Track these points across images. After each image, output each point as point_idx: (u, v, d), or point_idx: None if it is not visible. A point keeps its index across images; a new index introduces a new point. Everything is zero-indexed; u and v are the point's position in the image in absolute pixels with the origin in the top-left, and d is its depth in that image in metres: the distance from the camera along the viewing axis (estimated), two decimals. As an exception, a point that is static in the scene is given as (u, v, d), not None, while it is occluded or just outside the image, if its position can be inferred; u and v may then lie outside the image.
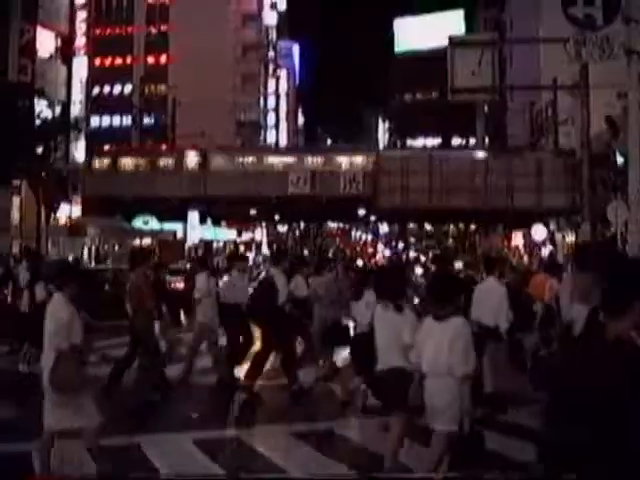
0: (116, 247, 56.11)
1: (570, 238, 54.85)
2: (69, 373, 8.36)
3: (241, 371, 15.74)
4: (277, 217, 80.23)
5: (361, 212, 68.84)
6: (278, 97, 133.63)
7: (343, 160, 63.56)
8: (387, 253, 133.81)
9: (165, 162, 63.90)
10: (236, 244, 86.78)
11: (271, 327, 15.35)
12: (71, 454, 9.44)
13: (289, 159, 64.87)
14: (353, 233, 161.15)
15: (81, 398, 8.56)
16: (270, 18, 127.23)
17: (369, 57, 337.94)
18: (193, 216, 64.56)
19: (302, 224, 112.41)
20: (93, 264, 48.32)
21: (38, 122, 49.64)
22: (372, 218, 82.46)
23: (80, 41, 61.72)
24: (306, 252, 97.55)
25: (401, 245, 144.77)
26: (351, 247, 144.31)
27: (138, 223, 59.16)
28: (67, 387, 8.42)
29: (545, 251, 57.50)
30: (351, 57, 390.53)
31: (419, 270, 51.92)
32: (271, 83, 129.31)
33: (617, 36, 20.40)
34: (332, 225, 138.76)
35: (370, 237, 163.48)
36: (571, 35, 20.76)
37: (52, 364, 8.39)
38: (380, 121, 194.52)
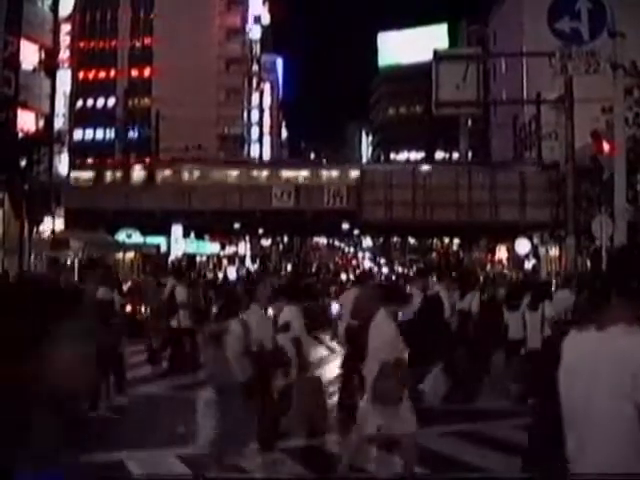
0: (99, 261, 55.79)
1: (554, 252, 55.02)
2: (389, 386, 8.77)
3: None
4: (261, 231, 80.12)
5: (345, 226, 68.83)
6: (262, 111, 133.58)
7: (327, 174, 63.60)
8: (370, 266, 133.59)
9: (142, 175, 63.99)
10: (219, 258, 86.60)
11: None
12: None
13: (273, 173, 64.87)
14: (337, 244, 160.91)
15: (399, 406, 9.00)
16: (254, 32, 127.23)
17: (353, 71, 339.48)
18: (177, 230, 64.39)
19: (286, 238, 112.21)
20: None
21: (21, 135, 49.43)
22: (356, 232, 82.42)
23: (64, 54, 61.43)
24: (289, 266, 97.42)
25: (383, 260, 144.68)
26: (333, 260, 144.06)
27: (121, 236, 58.91)
28: (387, 399, 8.85)
29: (528, 265, 57.64)
30: (335, 71, 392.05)
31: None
32: (255, 97, 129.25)
33: (603, 50, 20.52)
34: (317, 240, 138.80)
35: (353, 250, 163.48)
36: (557, 49, 20.87)
37: (375, 375, 8.86)
38: (364, 135, 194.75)
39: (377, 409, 8.91)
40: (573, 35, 20.40)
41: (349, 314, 12.89)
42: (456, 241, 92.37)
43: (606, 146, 32.56)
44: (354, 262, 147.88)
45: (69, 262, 48.05)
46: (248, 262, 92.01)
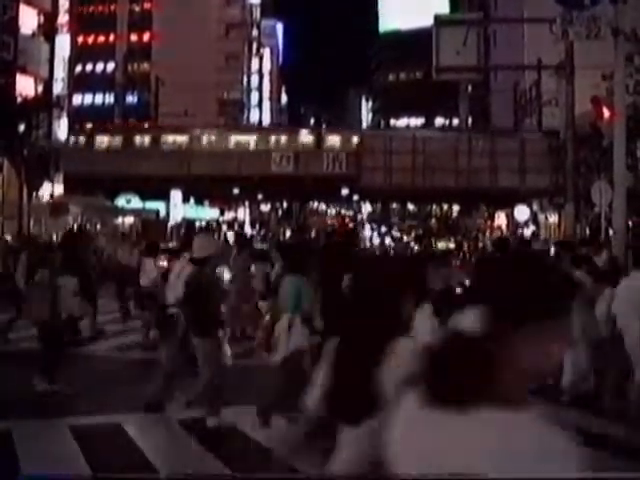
0: (98, 226, 55.78)
1: (553, 219, 55.03)
2: None
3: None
4: (260, 196, 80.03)
5: (344, 192, 68.75)
6: (261, 76, 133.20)
7: (327, 139, 63.44)
8: (369, 234, 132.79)
9: (141, 140, 63.82)
10: (219, 223, 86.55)
11: None
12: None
13: (272, 137, 64.68)
14: (329, 210, 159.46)
15: None
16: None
17: (353, 36, 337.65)
18: (176, 195, 64.31)
19: (285, 203, 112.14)
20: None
21: (20, 100, 49.31)
22: (355, 197, 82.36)
23: (63, 18, 61.12)
24: (288, 232, 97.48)
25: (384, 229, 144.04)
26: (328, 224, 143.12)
27: (121, 202, 58.88)
28: None
29: (527, 231, 57.67)
30: (335, 36, 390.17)
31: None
32: (254, 62, 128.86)
33: (604, 16, 20.44)
34: (316, 205, 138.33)
35: (351, 213, 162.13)
36: (558, 14, 20.80)
37: None
38: (364, 101, 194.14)
39: None
40: (574, 0, 20.32)
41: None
42: (456, 207, 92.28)
43: (606, 113, 32.50)
44: (351, 225, 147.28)
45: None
46: (247, 227, 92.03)
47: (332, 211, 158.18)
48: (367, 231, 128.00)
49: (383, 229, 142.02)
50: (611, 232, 23.74)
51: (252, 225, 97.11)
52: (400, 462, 2.42)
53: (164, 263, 17.38)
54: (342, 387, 4.32)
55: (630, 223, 28.77)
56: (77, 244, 17.43)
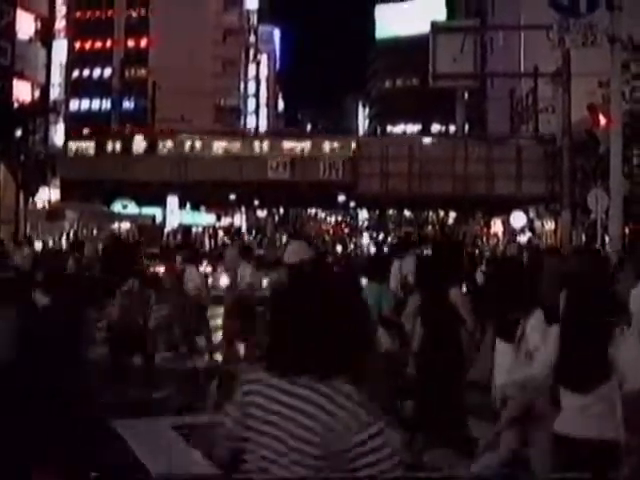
0: (94, 231, 55.78)
1: (549, 225, 55.07)
2: None
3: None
4: (257, 202, 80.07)
5: (341, 198, 68.81)
6: (258, 82, 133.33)
7: (323, 145, 63.43)
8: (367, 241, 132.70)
9: (138, 146, 63.78)
10: (215, 229, 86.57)
11: None
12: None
13: (269, 144, 64.68)
14: (327, 217, 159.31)
15: None
16: (251, 2, 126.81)
17: (350, 42, 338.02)
18: (172, 201, 64.31)
19: (281, 209, 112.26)
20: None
21: (16, 105, 49.31)
22: (352, 204, 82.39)
23: (60, 24, 61.15)
24: (284, 237, 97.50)
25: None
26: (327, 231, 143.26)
27: (117, 207, 58.90)
28: None
29: (524, 238, 57.67)
30: (332, 43, 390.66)
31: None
32: (251, 68, 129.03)
33: (600, 23, 20.51)
34: (313, 211, 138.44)
35: (348, 219, 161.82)
36: (554, 22, 20.86)
37: None
38: (360, 107, 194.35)
39: None
40: (571, 7, 20.37)
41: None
42: (452, 214, 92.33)
43: (602, 120, 32.54)
44: (346, 230, 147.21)
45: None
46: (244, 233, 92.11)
47: (330, 218, 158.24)
48: (365, 239, 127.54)
49: (380, 236, 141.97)
50: (607, 239, 23.79)
51: (249, 231, 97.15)
52: None
53: (208, 269, 17.34)
54: (572, 359, 5.77)
55: (627, 230, 28.83)
56: (125, 253, 17.37)
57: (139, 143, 64.18)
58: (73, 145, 63.68)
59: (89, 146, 64.10)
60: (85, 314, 7.76)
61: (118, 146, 63.96)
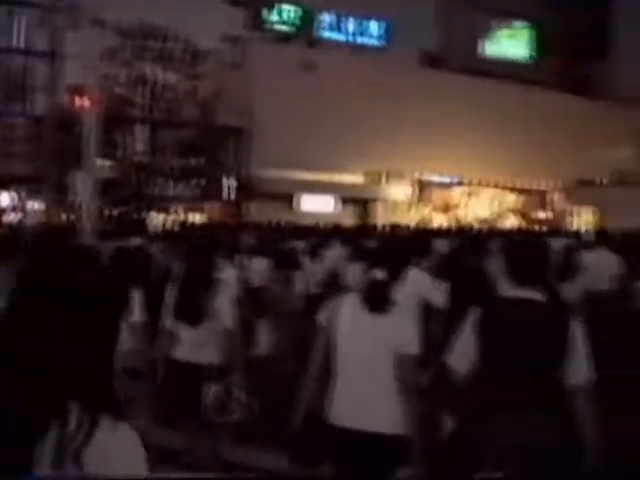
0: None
1: (38, 206, 54.71)
2: None
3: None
4: None
5: None
6: None
7: None
8: None
9: None
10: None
11: None
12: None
13: None
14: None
15: None
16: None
17: None
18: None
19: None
20: None
21: None
22: None
23: None
24: None
25: None
26: None
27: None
28: None
29: (14, 218, 56.70)
30: None
31: None
32: None
33: (85, 7, 20.91)
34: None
35: None
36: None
37: None
38: None
39: None
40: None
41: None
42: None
43: (86, 101, 33.01)
44: None
45: None
46: None
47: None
48: None
49: None
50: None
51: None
52: None
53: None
54: None
55: (107, 212, 29.40)
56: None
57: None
58: None
59: None
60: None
61: None
